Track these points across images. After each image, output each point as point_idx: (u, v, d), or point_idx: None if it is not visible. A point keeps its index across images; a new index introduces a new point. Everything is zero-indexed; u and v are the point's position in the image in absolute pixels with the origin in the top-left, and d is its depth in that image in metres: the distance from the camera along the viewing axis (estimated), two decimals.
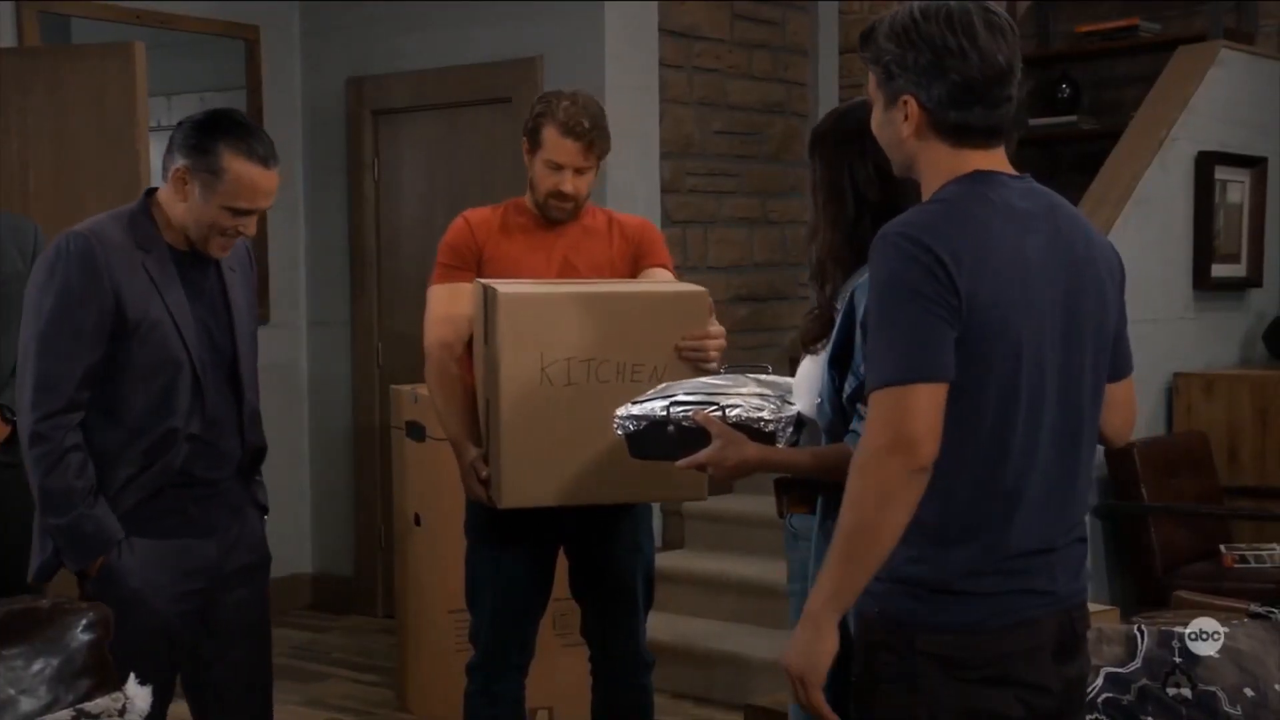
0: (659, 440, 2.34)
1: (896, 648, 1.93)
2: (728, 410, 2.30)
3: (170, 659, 2.67)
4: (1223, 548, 4.53)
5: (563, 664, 4.02)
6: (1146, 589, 4.56)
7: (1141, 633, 2.54)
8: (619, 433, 2.42)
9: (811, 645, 1.88)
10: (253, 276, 2.91)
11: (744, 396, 2.34)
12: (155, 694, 2.27)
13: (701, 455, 2.27)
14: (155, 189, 2.75)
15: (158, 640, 2.63)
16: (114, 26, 5.27)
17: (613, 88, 4.97)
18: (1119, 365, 2.10)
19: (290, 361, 5.79)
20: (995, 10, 1.96)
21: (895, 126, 2.00)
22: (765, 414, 2.30)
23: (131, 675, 2.14)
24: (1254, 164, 5.26)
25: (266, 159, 2.66)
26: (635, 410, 2.40)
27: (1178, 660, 2.50)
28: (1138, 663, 2.51)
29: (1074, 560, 2.02)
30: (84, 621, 2.23)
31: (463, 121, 5.37)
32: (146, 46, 4.66)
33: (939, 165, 1.98)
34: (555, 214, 3.17)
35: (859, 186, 2.30)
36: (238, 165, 2.62)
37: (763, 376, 2.45)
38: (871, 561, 1.86)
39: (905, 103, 1.97)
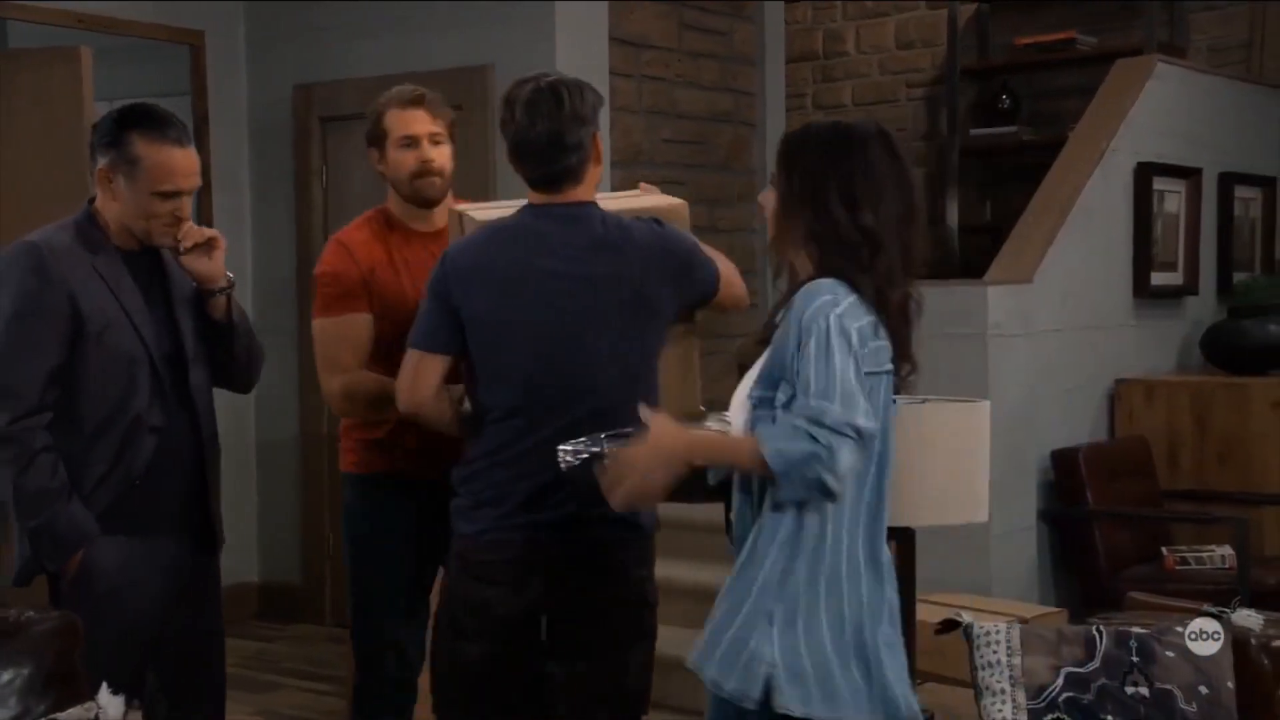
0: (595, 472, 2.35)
1: None
2: None
3: (142, 661, 2.70)
4: (1164, 550, 4.62)
5: None
6: (1092, 591, 4.64)
7: (1100, 633, 2.59)
8: (562, 466, 2.43)
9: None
10: None
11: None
12: (126, 697, 2.26)
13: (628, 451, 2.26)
14: (94, 198, 2.80)
15: (131, 641, 2.66)
16: (55, 30, 5.20)
17: None
18: None
19: None
20: (545, 88, 2.58)
21: None
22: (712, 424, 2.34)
23: (104, 685, 2.13)
24: (1189, 174, 5.37)
25: (179, 139, 2.72)
26: (571, 446, 2.43)
27: (1135, 659, 2.55)
28: (1096, 662, 2.56)
29: None
30: (52, 630, 2.20)
31: None
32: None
33: None
34: (428, 192, 3.10)
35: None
36: (151, 150, 2.68)
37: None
38: None
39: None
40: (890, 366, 2.30)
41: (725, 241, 5.99)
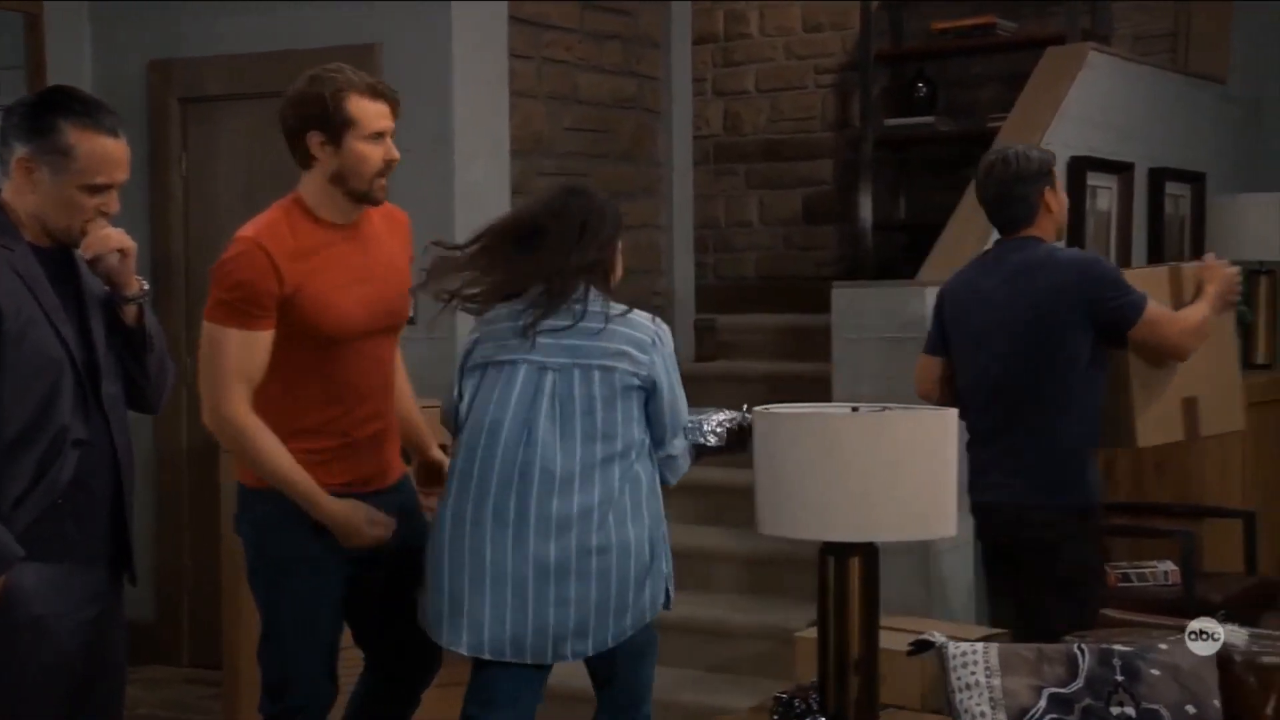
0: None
1: None
2: None
3: (69, 703, 2.63)
4: (1106, 567, 4.72)
5: None
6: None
7: (1082, 651, 2.63)
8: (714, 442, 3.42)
9: None
10: None
11: None
12: None
13: None
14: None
15: (57, 679, 2.60)
16: None
17: (460, 79, 4.94)
18: None
19: None
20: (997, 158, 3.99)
21: None
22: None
23: None
24: (1121, 170, 5.52)
25: (114, 129, 2.70)
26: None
27: (1120, 678, 2.60)
28: (1080, 682, 2.60)
29: None
30: None
31: None
32: None
33: None
34: (380, 194, 3.14)
35: None
36: (86, 140, 2.66)
37: None
38: None
39: None
40: (497, 358, 3.13)
41: (629, 238, 5.98)
